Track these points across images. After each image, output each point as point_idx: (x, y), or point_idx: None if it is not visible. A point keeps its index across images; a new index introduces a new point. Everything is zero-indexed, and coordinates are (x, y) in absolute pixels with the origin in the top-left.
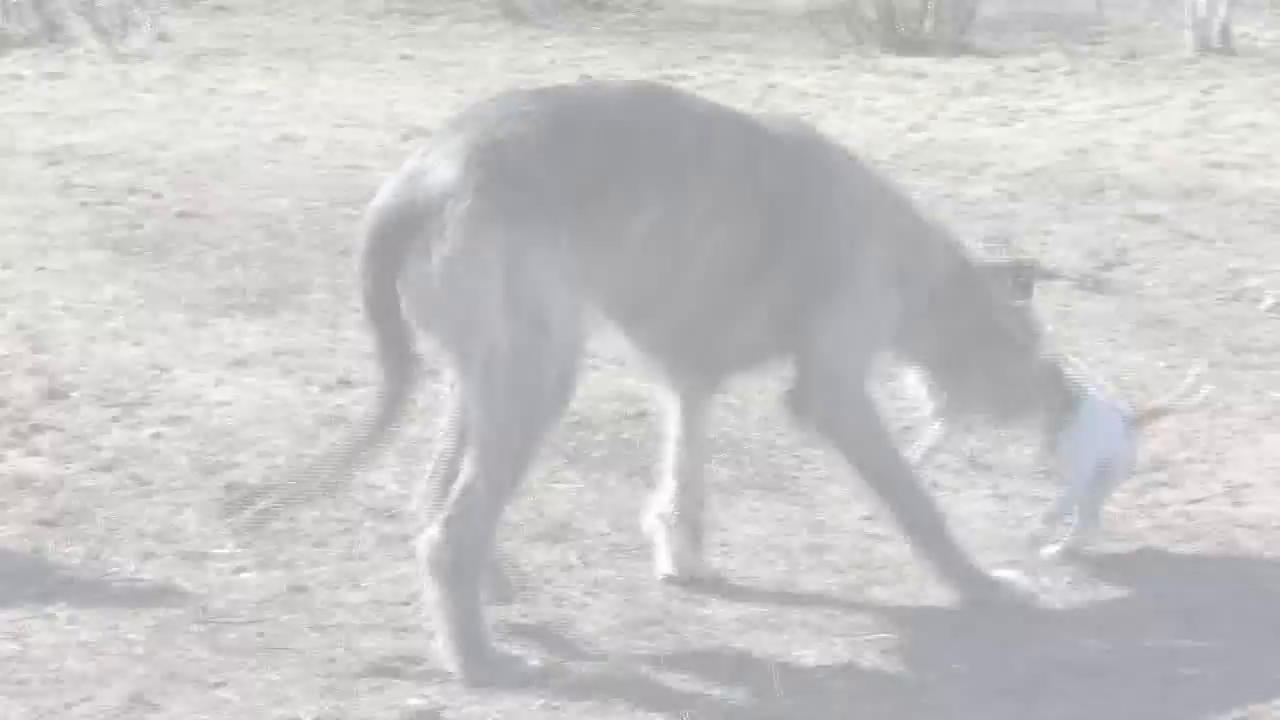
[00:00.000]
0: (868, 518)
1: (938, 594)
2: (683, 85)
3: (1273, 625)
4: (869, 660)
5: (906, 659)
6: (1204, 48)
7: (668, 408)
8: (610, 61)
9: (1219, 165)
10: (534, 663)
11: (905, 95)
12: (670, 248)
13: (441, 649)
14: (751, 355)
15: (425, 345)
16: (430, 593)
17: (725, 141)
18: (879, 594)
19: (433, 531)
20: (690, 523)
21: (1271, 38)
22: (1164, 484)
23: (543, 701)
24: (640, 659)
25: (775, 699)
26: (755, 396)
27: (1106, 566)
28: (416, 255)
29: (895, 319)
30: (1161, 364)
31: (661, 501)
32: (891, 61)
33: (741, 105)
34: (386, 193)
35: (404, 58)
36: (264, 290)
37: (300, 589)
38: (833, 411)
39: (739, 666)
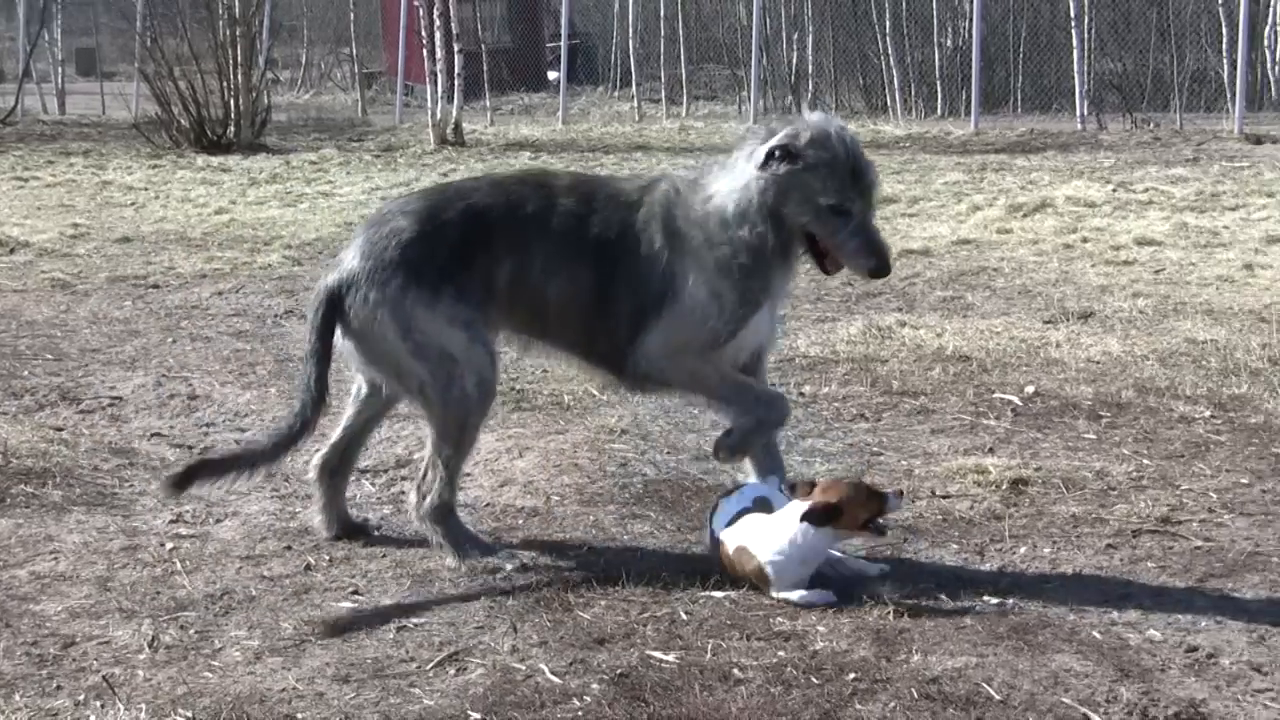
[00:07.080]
0: (174, 521)
1: (219, 578)
2: (33, 184)
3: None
4: (170, 637)
5: (202, 632)
6: (442, 142)
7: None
8: None
9: None
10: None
11: (213, 186)
12: (528, 292)
13: (449, 563)
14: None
15: (368, 374)
16: (432, 536)
17: (563, 210)
18: (183, 581)
19: (411, 497)
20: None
21: (494, 132)
22: (405, 478)
23: None
24: None
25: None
26: (84, 430)
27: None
28: (344, 324)
29: (716, 321)
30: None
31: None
32: (202, 159)
33: (85, 199)
34: (326, 273)
35: None
36: None
37: None
38: (653, 378)
39: (63, 648)
